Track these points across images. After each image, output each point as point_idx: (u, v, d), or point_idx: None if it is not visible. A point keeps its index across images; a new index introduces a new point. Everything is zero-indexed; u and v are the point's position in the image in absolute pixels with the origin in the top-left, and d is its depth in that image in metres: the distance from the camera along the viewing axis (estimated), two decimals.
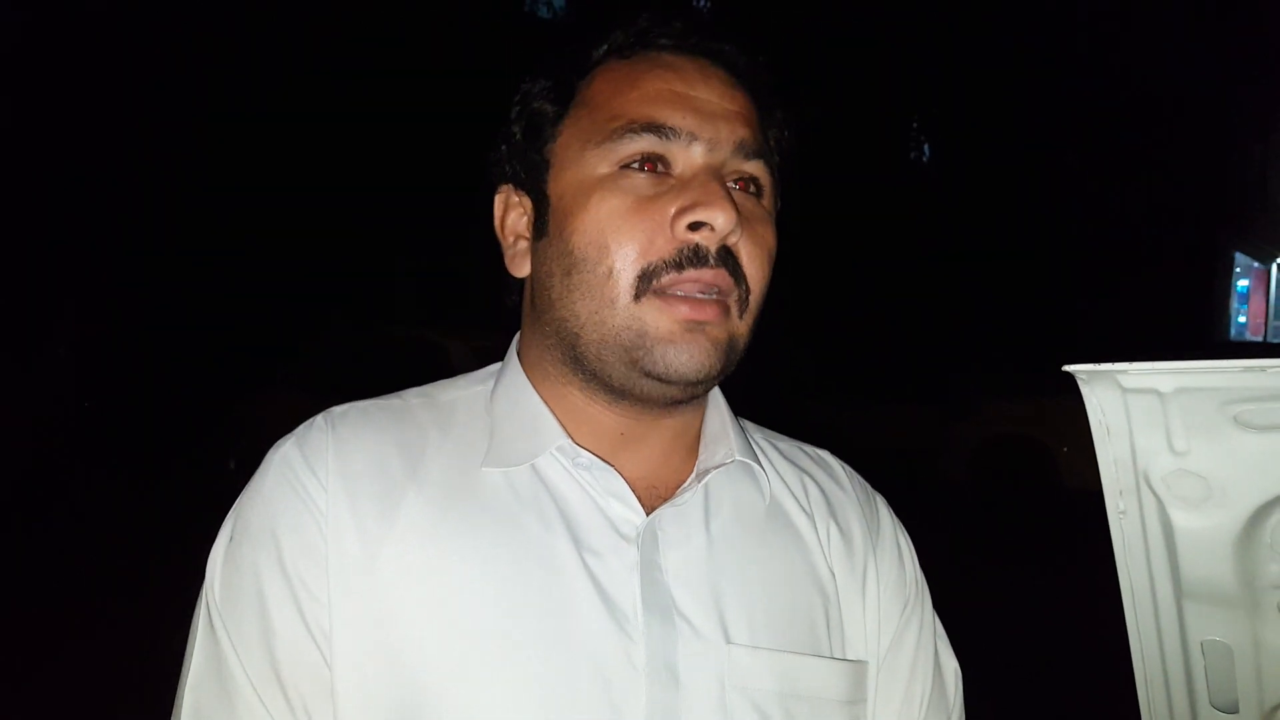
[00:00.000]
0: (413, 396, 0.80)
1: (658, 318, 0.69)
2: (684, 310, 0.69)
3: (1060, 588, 5.29)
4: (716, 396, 0.84)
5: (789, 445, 0.90)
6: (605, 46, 0.76)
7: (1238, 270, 22.25)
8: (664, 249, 0.69)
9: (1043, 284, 15.73)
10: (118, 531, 6.16)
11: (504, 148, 0.80)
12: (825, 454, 0.91)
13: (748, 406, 0.88)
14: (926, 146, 17.86)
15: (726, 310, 0.71)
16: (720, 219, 0.68)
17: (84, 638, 4.21)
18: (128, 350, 9.86)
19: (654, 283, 0.69)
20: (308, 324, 9.03)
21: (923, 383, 10.38)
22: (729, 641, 0.72)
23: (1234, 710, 0.70)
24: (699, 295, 0.70)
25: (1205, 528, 0.65)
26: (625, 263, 0.69)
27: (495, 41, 10.63)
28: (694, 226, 0.69)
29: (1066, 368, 0.64)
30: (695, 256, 0.69)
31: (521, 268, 0.79)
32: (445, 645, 0.67)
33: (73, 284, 9.73)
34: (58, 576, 5.09)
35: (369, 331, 7.67)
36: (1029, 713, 3.50)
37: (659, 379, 0.70)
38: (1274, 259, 23.44)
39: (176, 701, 0.70)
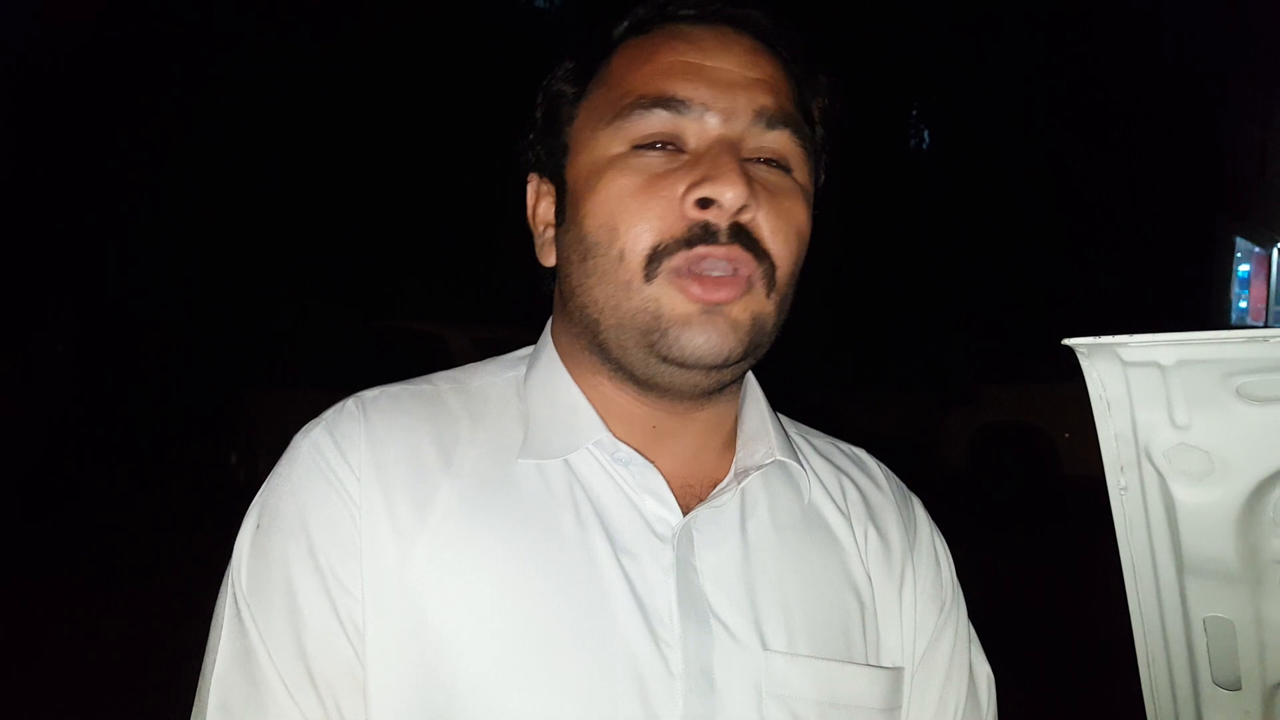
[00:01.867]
0: (442, 381, 0.77)
1: (672, 298, 0.66)
2: (696, 290, 0.65)
3: (1059, 574, 5.30)
4: (754, 389, 0.81)
5: (825, 442, 0.88)
6: (626, 23, 0.73)
7: (1238, 255, 22.20)
8: (674, 227, 0.66)
9: (1041, 271, 15.73)
10: (119, 527, 6.17)
11: (530, 134, 0.78)
12: (862, 453, 0.88)
13: None
14: (926, 134, 17.83)
15: (749, 288, 0.67)
16: (729, 194, 0.65)
17: (86, 633, 4.22)
18: (126, 346, 9.86)
19: (664, 262, 0.66)
20: (306, 318, 9.03)
21: (921, 369, 10.39)
22: (766, 648, 0.70)
23: (1236, 687, 0.70)
24: (715, 273, 0.66)
25: (1207, 502, 0.64)
26: (635, 244, 0.66)
27: (493, 35, 10.59)
28: (703, 203, 0.66)
29: (1066, 341, 0.63)
30: (705, 234, 0.66)
31: (549, 257, 0.77)
32: (481, 645, 0.65)
33: (71, 280, 9.72)
34: (59, 573, 5.10)
35: (368, 325, 7.66)
36: (1030, 698, 3.50)
37: (677, 364, 0.68)
38: (1275, 244, 23.39)
39: (200, 693, 0.67)
